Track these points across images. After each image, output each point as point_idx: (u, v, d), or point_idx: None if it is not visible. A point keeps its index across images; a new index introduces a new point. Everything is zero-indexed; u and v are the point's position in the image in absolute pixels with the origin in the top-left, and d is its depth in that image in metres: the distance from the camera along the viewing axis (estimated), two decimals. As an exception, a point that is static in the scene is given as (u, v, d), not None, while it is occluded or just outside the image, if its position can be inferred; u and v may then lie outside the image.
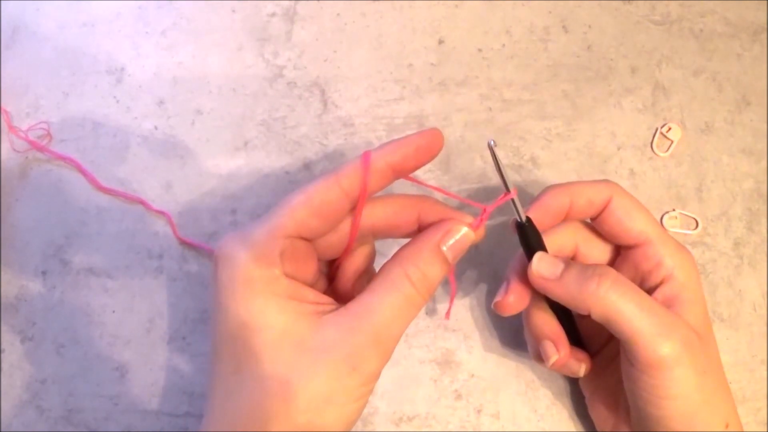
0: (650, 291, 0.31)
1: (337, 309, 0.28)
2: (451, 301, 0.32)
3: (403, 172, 0.29)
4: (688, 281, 0.31)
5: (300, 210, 0.28)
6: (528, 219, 0.30)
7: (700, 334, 0.30)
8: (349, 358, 0.26)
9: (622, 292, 0.29)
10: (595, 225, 0.33)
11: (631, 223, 0.32)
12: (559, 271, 0.30)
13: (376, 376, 0.27)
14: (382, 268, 0.28)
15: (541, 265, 0.30)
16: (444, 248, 0.28)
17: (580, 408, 0.36)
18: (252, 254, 0.28)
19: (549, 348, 0.32)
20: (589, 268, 0.30)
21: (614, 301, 0.28)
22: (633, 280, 0.30)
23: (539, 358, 0.33)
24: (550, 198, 0.32)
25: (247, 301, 0.27)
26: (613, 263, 0.34)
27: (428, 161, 0.29)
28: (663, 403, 0.29)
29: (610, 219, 0.32)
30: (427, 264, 0.28)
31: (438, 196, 0.33)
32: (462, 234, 0.28)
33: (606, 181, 0.32)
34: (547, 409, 0.37)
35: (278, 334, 0.27)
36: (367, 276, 0.32)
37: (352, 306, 0.27)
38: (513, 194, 0.29)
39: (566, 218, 0.33)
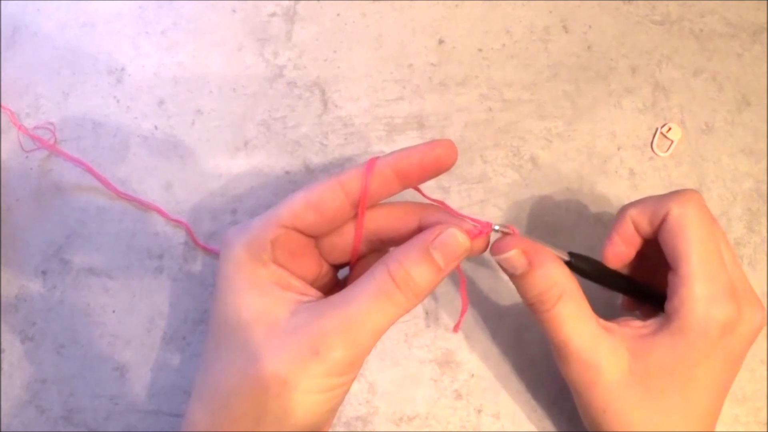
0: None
1: (319, 299, 0.28)
2: (461, 316, 0.32)
3: (410, 180, 0.29)
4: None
5: (297, 203, 0.29)
6: (571, 254, 0.31)
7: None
8: (312, 341, 0.26)
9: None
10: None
11: (674, 241, 0.29)
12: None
13: (345, 368, 0.27)
14: (372, 265, 0.28)
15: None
16: (434, 252, 0.27)
17: (580, 408, 0.36)
18: (246, 240, 0.29)
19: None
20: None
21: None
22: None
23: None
24: (617, 240, 0.32)
25: (234, 284, 0.28)
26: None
27: (438, 174, 0.29)
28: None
29: (661, 234, 0.30)
30: (413, 263, 0.27)
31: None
32: (454, 238, 0.27)
33: (677, 193, 0.30)
34: (547, 409, 0.37)
35: (255, 315, 0.27)
36: None
37: (332, 296, 0.28)
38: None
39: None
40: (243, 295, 0.28)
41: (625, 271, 0.33)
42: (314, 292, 0.29)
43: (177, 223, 0.39)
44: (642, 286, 0.33)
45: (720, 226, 0.30)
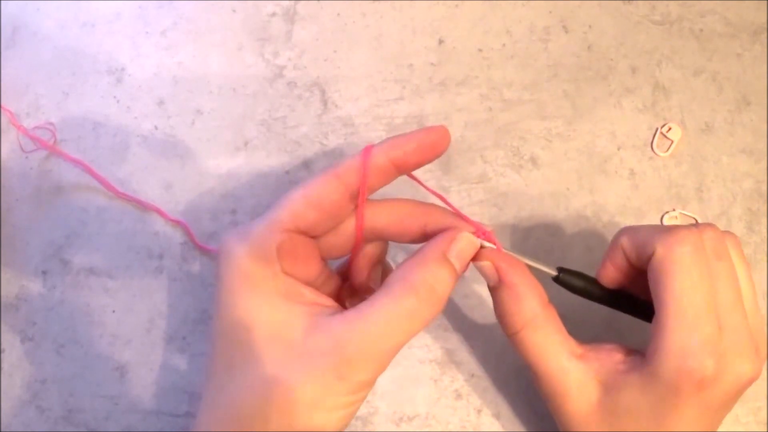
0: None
1: (333, 313, 0.27)
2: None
3: (405, 168, 0.29)
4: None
5: (297, 202, 0.28)
6: (560, 269, 0.30)
7: None
8: (337, 367, 0.26)
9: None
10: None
11: (655, 285, 0.28)
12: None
13: (368, 385, 0.27)
14: (387, 279, 0.28)
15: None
16: (452, 258, 0.27)
17: (580, 408, 0.36)
18: (249, 249, 0.27)
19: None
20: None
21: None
22: None
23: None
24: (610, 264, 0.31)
25: (241, 297, 0.27)
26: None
27: (432, 159, 0.29)
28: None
29: (648, 271, 0.29)
30: (434, 275, 0.27)
31: (436, 199, 0.33)
32: (468, 241, 0.28)
33: (667, 231, 0.28)
34: (547, 410, 0.37)
35: (269, 334, 0.26)
36: (380, 267, 0.32)
37: (349, 314, 0.27)
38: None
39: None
40: (253, 312, 0.27)
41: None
42: (325, 300, 0.29)
43: (176, 223, 0.39)
44: (637, 304, 0.32)
45: (726, 266, 0.28)
